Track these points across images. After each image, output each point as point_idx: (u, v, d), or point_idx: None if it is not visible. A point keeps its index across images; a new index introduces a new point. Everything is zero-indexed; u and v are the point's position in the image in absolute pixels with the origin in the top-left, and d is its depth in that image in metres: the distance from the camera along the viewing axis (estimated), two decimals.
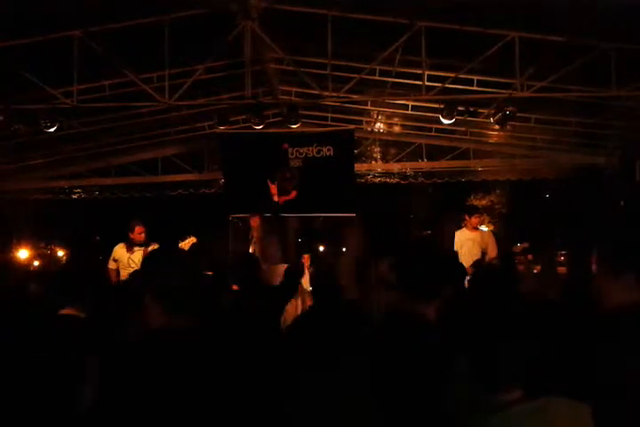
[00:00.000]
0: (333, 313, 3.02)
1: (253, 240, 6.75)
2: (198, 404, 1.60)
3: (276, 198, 7.44)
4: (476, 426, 1.25)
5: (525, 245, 8.23)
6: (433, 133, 10.34)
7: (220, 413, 1.64)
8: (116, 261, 6.45)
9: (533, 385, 1.32)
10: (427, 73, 6.92)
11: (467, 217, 7.23)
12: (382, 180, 11.69)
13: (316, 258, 9.74)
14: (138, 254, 6.22)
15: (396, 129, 10.67)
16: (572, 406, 1.30)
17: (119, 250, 6.47)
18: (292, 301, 7.21)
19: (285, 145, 9.62)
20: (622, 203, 9.15)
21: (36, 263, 15.84)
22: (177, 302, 1.80)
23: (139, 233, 6.38)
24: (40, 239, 16.31)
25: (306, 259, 8.96)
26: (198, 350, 1.72)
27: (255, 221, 7.04)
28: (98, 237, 12.74)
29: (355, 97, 8.29)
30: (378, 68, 7.66)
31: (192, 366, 1.67)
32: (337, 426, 1.86)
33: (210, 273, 5.89)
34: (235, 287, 4.10)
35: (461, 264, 3.99)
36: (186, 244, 6.46)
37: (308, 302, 7.37)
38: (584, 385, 1.54)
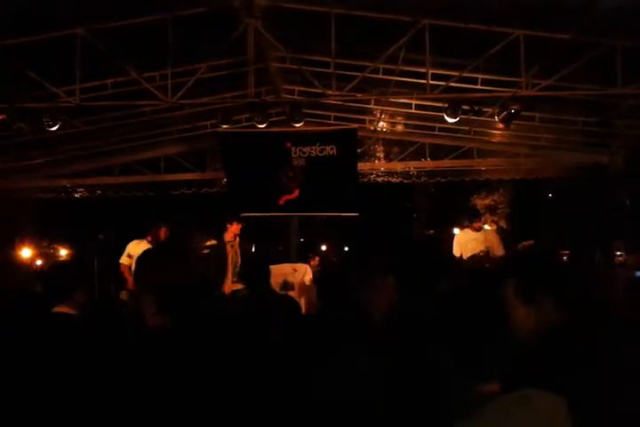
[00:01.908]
0: (338, 313, 2.99)
1: (231, 244, 6.68)
2: (191, 405, 1.59)
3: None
4: (466, 418, 1.24)
5: (530, 242, 8.20)
6: (436, 132, 10.30)
7: (214, 415, 1.63)
8: (130, 256, 6.34)
9: (508, 378, 1.32)
10: (431, 71, 6.87)
11: (468, 224, 7.31)
12: (385, 179, 11.66)
13: (321, 258, 9.76)
14: None
15: (400, 128, 10.64)
16: (550, 397, 1.31)
17: (134, 246, 6.37)
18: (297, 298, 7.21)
19: (288, 144, 9.57)
20: (628, 202, 9.12)
21: (39, 262, 15.86)
22: (168, 302, 1.78)
23: (163, 232, 6.29)
24: (43, 238, 16.33)
25: (316, 260, 9.01)
26: (190, 351, 1.71)
27: (235, 227, 6.85)
28: (101, 236, 12.74)
29: (358, 96, 8.25)
30: (381, 66, 7.62)
31: (184, 368, 1.65)
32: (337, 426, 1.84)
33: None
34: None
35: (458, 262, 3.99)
36: (206, 244, 6.43)
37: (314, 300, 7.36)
38: (564, 381, 1.54)
